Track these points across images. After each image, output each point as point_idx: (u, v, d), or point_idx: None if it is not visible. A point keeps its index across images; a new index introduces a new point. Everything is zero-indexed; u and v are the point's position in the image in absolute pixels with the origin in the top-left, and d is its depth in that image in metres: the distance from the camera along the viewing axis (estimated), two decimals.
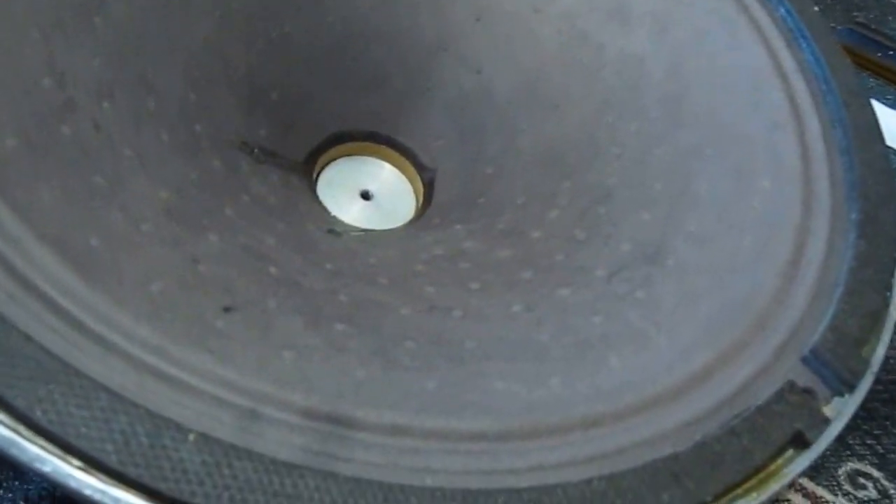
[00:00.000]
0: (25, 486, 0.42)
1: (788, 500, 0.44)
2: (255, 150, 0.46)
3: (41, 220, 0.32)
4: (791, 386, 0.35)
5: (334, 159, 0.54)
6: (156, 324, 0.31)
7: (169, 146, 0.41)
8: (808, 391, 0.35)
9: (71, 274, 0.31)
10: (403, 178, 0.54)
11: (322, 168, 0.53)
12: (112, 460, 0.28)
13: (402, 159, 0.54)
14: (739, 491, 0.33)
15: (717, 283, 0.39)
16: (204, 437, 0.29)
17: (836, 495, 0.44)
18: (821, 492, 0.45)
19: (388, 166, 0.55)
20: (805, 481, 0.44)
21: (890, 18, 0.80)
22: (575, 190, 0.46)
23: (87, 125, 0.37)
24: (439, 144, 0.52)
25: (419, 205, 0.52)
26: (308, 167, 0.52)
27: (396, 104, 0.53)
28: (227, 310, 0.33)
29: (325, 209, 0.50)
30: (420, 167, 0.53)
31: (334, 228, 0.45)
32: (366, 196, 0.53)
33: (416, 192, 0.53)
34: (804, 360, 0.37)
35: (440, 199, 0.51)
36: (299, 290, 0.35)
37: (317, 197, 0.51)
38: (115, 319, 0.31)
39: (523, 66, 0.49)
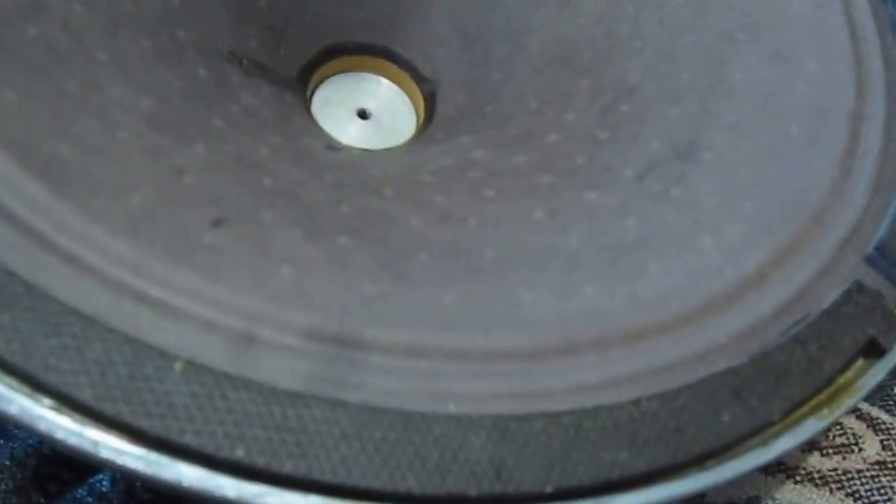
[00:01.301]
0: (11, 445, 0.38)
1: (840, 424, 0.40)
2: (245, 62, 0.41)
3: (1, 125, 0.28)
4: (859, 287, 0.31)
5: (329, 77, 0.49)
6: (135, 239, 0.27)
7: (150, 52, 0.36)
8: (877, 292, 0.31)
9: (36, 183, 0.27)
10: (402, 93, 0.49)
11: (316, 87, 0.48)
12: (87, 395, 0.24)
13: (401, 73, 0.49)
14: (806, 408, 0.28)
15: (763, 177, 0.35)
16: (192, 366, 0.25)
17: (895, 415, 0.40)
18: (876, 412, 0.40)
19: (385, 82, 0.50)
20: None
21: None
22: (593, 89, 0.41)
23: (57, 26, 0.33)
24: (440, 53, 0.47)
25: (420, 121, 0.47)
26: (302, 84, 0.47)
27: (393, 11, 0.48)
28: (216, 223, 0.29)
29: (321, 129, 0.45)
30: (420, 80, 0.48)
31: (333, 145, 0.40)
32: (363, 115, 0.48)
33: (416, 107, 0.49)
34: (869, 260, 0.32)
35: (443, 113, 0.46)
36: (297, 202, 0.31)
37: (312, 117, 0.46)
38: (87, 234, 0.27)
39: None
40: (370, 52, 0.50)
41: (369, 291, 0.29)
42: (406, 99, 0.50)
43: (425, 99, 0.49)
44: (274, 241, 0.29)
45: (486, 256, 0.32)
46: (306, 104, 0.48)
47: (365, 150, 0.46)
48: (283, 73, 0.47)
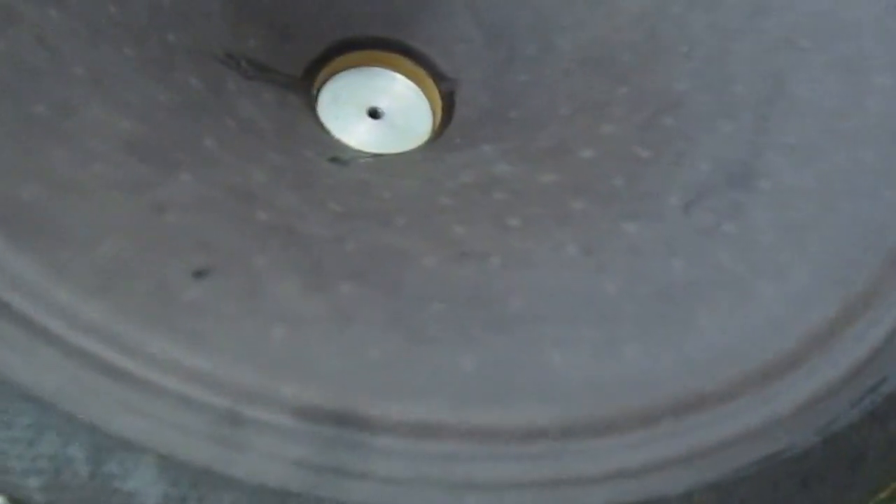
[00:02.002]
0: None
1: None
2: (243, 64, 0.37)
3: None
4: None
5: (338, 72, 0.45)
6: (104, 298, 0.23)
7: (134, 63, 0.32)
8: None
9: None
10: (419, 90, 0.45)
11: (323, 83, 0.44)
12: (38, 500, 0.20)
13: (417, 69, 0.44)
14: (884, 495, 0.24)
15: (831, 211, 0.31)
16: (165, 460, 0.21)
17: None
18: None
19: (400, 78, 0.45)
20: None
21: None
22: (633, 98, 0.37)
23: (29, 39, 0.30)
24: (461, 49, 0.43)
25: (437, 122, 0.43)
26: (307, 83, 0.43)
27: (409, 2, 0.43)
28: (199, 274, 0.25)
29: (327, 132, 0.41)
30: (438, 77, 0.44)
31: (338, 156, 0.36)
32: (374, 114, 0.44)
33: (433, 106, 0.44)
34: None
35: (463, 114, 0.42)
36: (296, 240, 0.27)
37: (317, 117, 0.42)
38: (49, 294, 0.23)
39: None
40: (384, 46, 0.46)
41: (376, 355, 0.25)
42: (422, 97, 0.46)
43: (443, 98, 0.45)
44: (266, 294, 0.26)
45: (510, 306, 0.28)
46: (312, 104, 0.44)
47: (375, 155, 0.42)
48: (287, 73, 0.43)
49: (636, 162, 0.35)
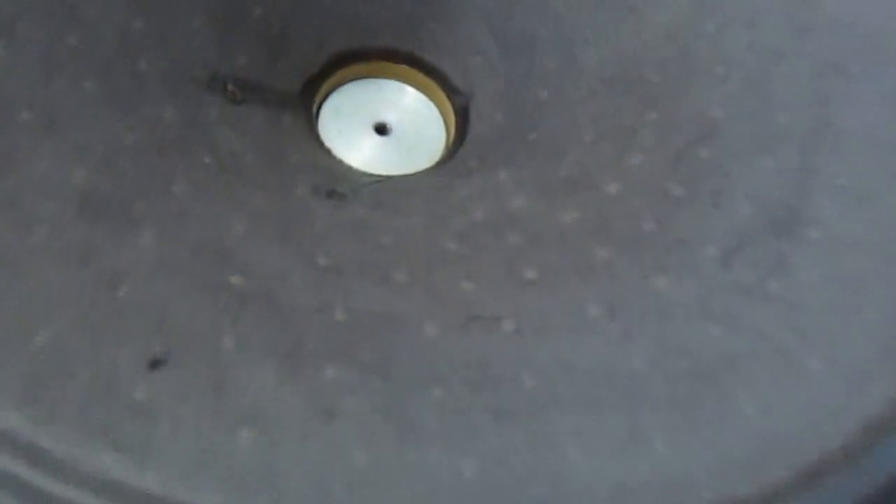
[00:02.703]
0: None
1: None
2: (230, 86, 0.33)
3: None
4: None
5: (341, 85, 0.41)
6: (30, 406, 0.19)
7: (96, 97, 0.28)
8: None
9: None
10: (430, 103, 0.41)
11: (325, 98, 0.40)
12: None
13: (428, 81, 0.40)
14: None
15: (889, 265, 0.26)
16: None
17: None
18: None
19: (410, 90, 0.41)
20: None
21: None
22: (664, 124, 0.33)
23: None
24: (476, 61, 0.39)
25: (450, 140, 0.39)
26: (306, 98, 0.39)
27: (419, 9, 0.39)
28: (155, 364, 0.21)
29: (328, 152, 0.37)
30: (451, 90, 0.40)
31: (337, 188, 0.32)
32: (381, 130, 0.40)
33: (446, 122, 0.40)
34: None
35: (477, 133, 0.38)
36: (274, 311, 0.23)
37: (317, 135, 0.38)
38: None
39: None
40: (392, 57, 0.42)
41: (361, 461, 0.21)
42: (434, 111, 0.42)
43: (456, 114, 0.41)
44: (234, 387, 0.22)
45: (523, 387, 0.24)
46: (311, 122, 0.40)
47: (379, 180, 0.38)
48: (283, 90, 0.39)
49: (668, 201, 0.31)
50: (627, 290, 0.28)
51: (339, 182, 0.36)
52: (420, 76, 0.42)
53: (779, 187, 0.30)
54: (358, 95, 0.42)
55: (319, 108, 0.41)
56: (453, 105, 0.41)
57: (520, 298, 0.27)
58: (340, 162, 0.38)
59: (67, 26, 0.30)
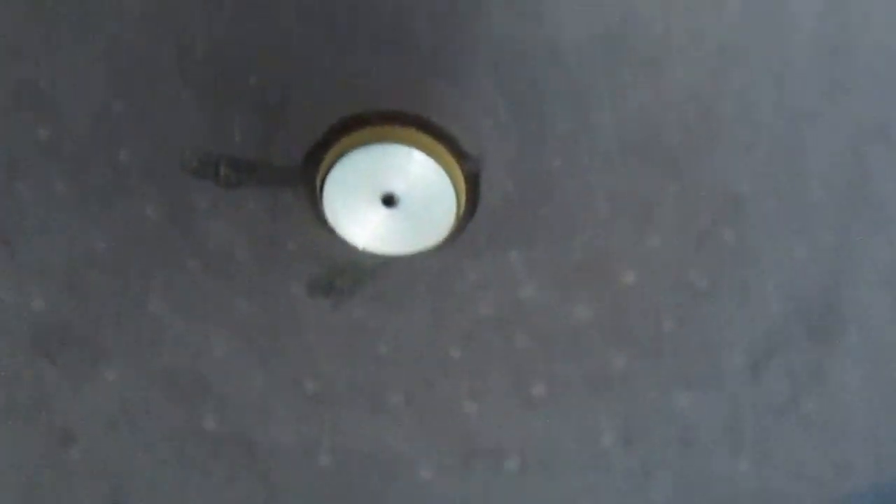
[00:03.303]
0: None
1: None
2: (223, 170, 0.31)
3: None
4: None
5: (345, 153, 0.38)
6: None
7: (65, 201, 0.26)
8: None
9: None
10: (440, 169, 0.38)
11: (329, 169, 0.37)
12: None
13: (437, 145, 0.37)
14: None
15: None
16: None
17: None
18: None
19: (417, 155, 0.39)
20: None
21: None
22: (686, 199, 0.30)
23: None
24: (486, 124, 0.36)
25: (461, 209, 0.36)
26: (308, 171, 0.36)
27: (425, 69, 0.37)
28: None
29: (331, 231, 0.35)
30: (461, 155, 0.37)
31: (336, 280, 0.30)
32: (389, 201, 0.37)
33: (456, 189, 0.37)
34: None
35: (489, 203, 0.35)
36: (251, 459, 0.20)
37: (321, 212, 0.35)
38: None
39: (604, 6, 0.32)
40: (398, 121, 0.39)
41: None
42: (444, 177, 0.39)
43: (467, 181, 0.38)
44: None
45: None
46: (314, 198, 0.37)
47: (387, 256, 0.35)
48: (282, 165, 0.36)
49: (690, 294, 0.28)
50: (646, 410, 0.25)
51: (339, 273, 0.33)
52: (428, 140, 0.39)
53: (813, 278, 0.27)
54: (363, 165, 0.40)
55: (323, 180, 0.38)
56: (463, 171, 0.38)
57: (527, 424, 0.25)
58: (343, 242, 0.36)
59: (33, 118, 0.28)
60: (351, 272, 0.33)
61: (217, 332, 0.25)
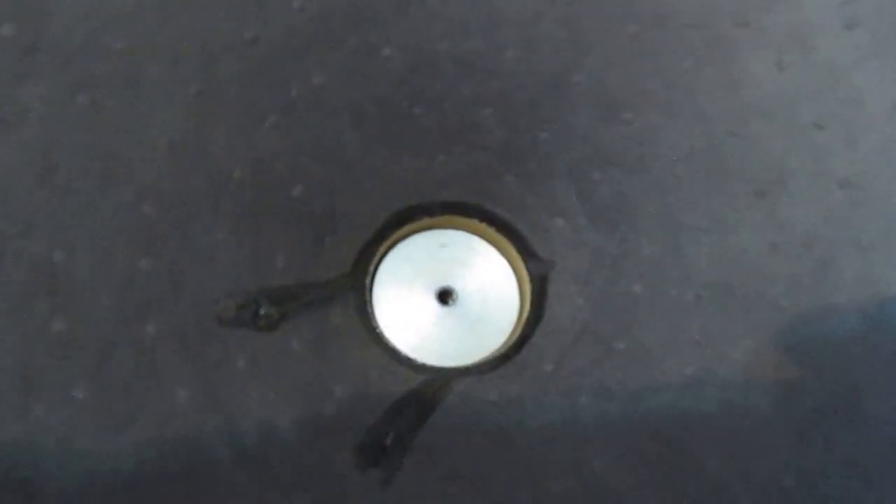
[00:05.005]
0: None
1: None
2: (264, 309, 0.27)
3: None
4: None
5: (400, 241, 0.34)
6: None
7: (80, 403, 0.23)
8: None
9: None
10: (505, 264, 0.34)
11: (380, 261, 0.33)
12: None
13: (503, 240, 0.33)
14: None
15: None
16: None
17: None
18: None
19: (483, 246, 0.35)
20: None
21: None
22: (792, 384, 0.25)
23: None
24: (558, 225, 0.32)
25: (523, 316, 0.32)
26: (357, 274, 0.32)
27: (491, 160, 0.32)
28: None
29: (381, 337, 0.31)
30: (529, 255, 0.33)
31: (387, 440, 0.26)
32: (444, 297, 0.33)
33: (521, 292, 0.33)
34: None
35: (555, 318, 0.32)
36: None
37: (371, 313, 0.32)
38: None
39: (695, 106, 0.28)
40: (459, 210, 0.35)
41: None
42: (509, 276, 0.35)
43: (532, 283, 0.34)
44: None
45: None
46: (363, 300, 0.33)
47: (436, 368, 0.32)
48: (329, 278, 0.32)
49: (780, 493, 0.24)
50: None
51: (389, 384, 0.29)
52: (492, 233, 0.35)
53: None
54: (419, 251, 0.36)
55: (373, 277, 0.34)
56: (530, 273, 0.34)
57: None
58: (394, 348, 0.32)
59: (47, 310, 0.24)
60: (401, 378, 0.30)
61: None
